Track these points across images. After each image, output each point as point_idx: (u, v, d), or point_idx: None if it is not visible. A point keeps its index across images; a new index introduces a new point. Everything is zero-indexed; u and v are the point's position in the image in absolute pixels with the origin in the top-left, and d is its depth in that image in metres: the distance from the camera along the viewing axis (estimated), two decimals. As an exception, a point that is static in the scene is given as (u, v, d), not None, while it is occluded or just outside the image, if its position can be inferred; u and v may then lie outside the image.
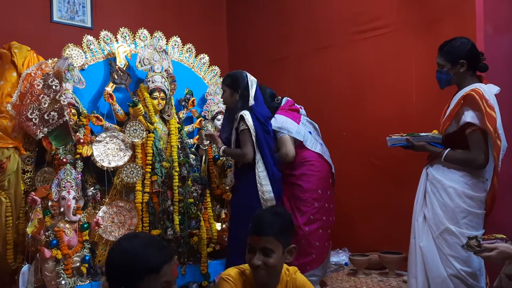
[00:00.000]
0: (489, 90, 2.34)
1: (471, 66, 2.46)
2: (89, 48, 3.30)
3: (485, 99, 2.29)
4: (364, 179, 4.03)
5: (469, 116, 2.31)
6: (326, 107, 4.33)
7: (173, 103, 3.42)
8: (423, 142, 2.50)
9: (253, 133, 2.86)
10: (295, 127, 3.26)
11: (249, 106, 2.93)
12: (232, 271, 1.82)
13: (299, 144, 3.27)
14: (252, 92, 2.95)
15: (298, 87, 4.58)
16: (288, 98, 3.52)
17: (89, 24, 4.24)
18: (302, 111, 3.54)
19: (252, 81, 3.00)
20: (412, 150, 2.54)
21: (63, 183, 2.89)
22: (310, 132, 3.35)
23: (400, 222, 3.72)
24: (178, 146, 3.33)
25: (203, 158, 3.57)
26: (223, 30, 5.29)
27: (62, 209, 2.88)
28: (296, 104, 3.52)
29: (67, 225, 2.89)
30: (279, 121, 3.26)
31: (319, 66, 4.39)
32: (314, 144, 3.31)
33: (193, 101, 3.60)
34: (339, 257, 3.90)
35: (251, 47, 5.05)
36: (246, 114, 2.89)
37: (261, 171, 2.89)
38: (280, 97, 3.51)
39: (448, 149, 2.41)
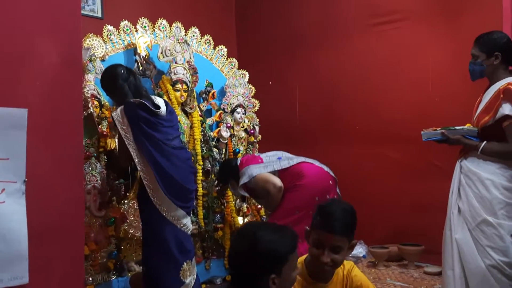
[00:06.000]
0: (524, 84, 2.36)
1: (505, 60, 2.47)
2: (109, 38, 3.21)
3: (521, 92, 2.32)
4: (379, 172, 4.04)
5: (507, 109, 2.32)
6: (339, 100, 4.32)
7: (195, 96, 3.37)
8: (459, 135, 2.51)
9: None
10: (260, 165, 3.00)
11: None
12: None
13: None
14: None
15: (309, 80, 4.55)
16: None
17: (99, 14, 4.13)
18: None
19: None
20: (447, 143, 2.55)
21: (88, 177, 2.82)
22: (279, 158, 3.08)
23: (417, 214, 3.79)
24: (201, 139, 3.29)
25: (223, 151, 3.54)
26: (232, 21, 5.21)
27: (87, 204, 2.81)
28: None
29: (92, 220, 2.83)
30: (246, 173, 2.98)
31: (333, 59, 4.36)
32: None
33: (213, 94, 3.55)
34: (356, 249, 3.92)
35: (260, 39, 4.97)
36: None
37: None
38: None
39: (485, 141, 2.43)
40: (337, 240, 1.66)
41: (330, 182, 2.97)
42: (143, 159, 2.51)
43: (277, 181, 2.90)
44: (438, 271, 3.22)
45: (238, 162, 3.10)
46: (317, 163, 3.03)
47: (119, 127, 2.51)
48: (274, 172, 2.95)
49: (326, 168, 3.03)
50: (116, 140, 2.86)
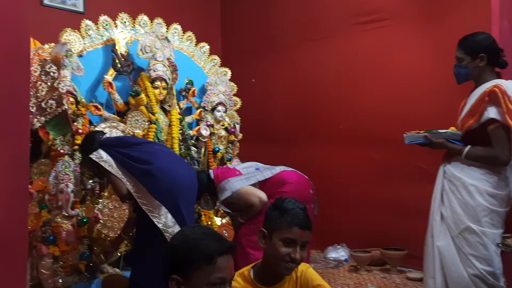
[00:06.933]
0: (511, 87, 2.30)
1: (491, 61, 2.40)
2: (87, 33, 3.11)
3: (508, 95, 2.25)
4: (362, 174, 3.97)
5: (492, 113, 2.26)
6: (322, 100, 4.25)
7: (174, 93, 3.28)
8: (442, 139, 2.44)
9: None
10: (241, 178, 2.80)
11: None
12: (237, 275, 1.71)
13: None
14: None
15: (292, 79, 4.48)
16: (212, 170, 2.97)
17: (81, 9, 4.01)
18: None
19: None
20: (430, 147, 2.48)
21: (61, 175, 2.72)
22: (257, 168, 2.89)
23: (400, 218, 3.73)
24: (179, 138, 3.20)
25: (202, 150, 3.45)
26: (216, 19, 5.13)
27: (60, 203, 2.71)
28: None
29: (64, 220, 2.73)
30: (228, 188, 2.76)
31: (316, 58, 4.29)
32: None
33: (193, 91, 3.46)
34: (338, 253, 3.86)
35: (245, 37, 4.88)
36: None
37: None
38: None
39: (469, 146, 2.36)
40: (307, 236, 1.66)
41: (311, 191, 2.86)
42: (129, 175, 2.44)
43: (263, 195, 2.73)
44: (420, 276, 3.14)
45: (212, 175, 2.84)
46: (297, 171, 2.91)
47: (101, 164, 2.46)
48: (255, 184, 2.78)
49: (306, 177, 2.92)
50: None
